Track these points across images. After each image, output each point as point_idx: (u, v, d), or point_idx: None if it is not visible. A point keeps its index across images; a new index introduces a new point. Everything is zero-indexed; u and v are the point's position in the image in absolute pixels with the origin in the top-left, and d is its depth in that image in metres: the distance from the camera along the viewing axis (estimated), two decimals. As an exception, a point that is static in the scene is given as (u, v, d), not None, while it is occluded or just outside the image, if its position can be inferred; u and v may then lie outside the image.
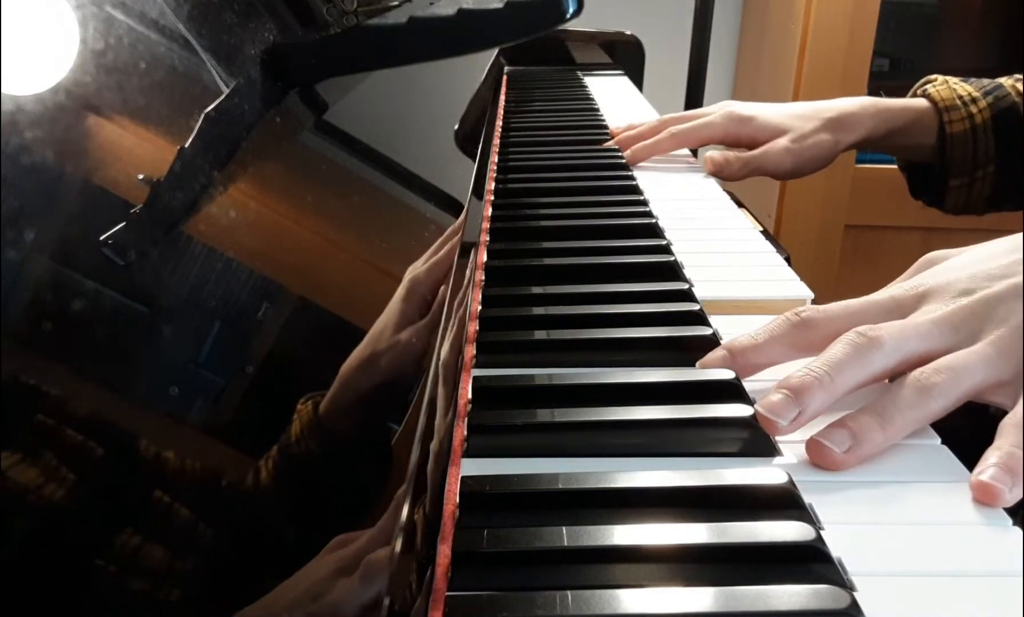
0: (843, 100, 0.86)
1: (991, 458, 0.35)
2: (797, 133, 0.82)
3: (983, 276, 0.43)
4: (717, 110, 0.86)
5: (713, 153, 0.83)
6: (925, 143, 0.85)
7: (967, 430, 0.38)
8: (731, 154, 0.82)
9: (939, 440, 0.38)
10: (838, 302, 0.45)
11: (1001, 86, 0.84)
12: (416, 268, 0.43)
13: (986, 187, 0.85)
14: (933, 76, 0.87)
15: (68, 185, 0.27)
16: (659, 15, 2.06)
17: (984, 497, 0.34)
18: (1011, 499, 0.35)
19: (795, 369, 0.40)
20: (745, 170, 0.82)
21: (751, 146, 0.84)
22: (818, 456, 0.36)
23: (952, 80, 0.85)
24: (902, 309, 0.44)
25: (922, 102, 0.85)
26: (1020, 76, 0.85)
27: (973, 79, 0.86)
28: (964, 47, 2.26)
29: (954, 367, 0.39)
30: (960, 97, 0.84)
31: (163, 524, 0.23)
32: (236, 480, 0.27)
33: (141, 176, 0.30)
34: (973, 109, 0.83)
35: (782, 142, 0.82)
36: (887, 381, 0.41)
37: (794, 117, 0.84)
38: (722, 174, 0.81)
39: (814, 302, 0.52)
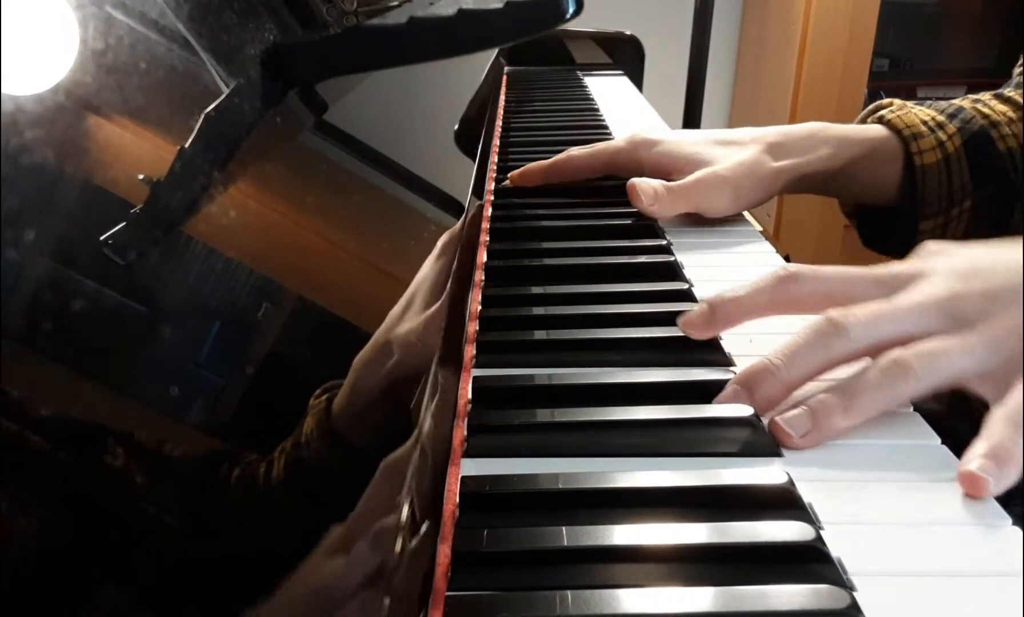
0: (791, 126, 0.70)
1: (979, 448, 0.35)
2: (733, 160, 0.66)
3: (986, 270, 0.42)
4: (621, 138, 0.73)
5: (638, 180, 0.65)
6: (886, 179, 0.69)
7: (968, 430, 0.38)
8: (659, 183, 0.64)
9: (939, 440, 0.38)
10: (831, 266, 0.44)
11: (963, 109, 0.70)
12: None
13: (961, 227, 0.69)
14: (886, 101, 0.72)
15: (68, 185, 0.27)
16: (659, 15, 2.07)
17: (971, 488, 0.34)
18: (995, 490, 0.34)
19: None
20: (678, 202, 0.64)
21: (655, 174, 0.67)
22: (777, 437, 0.37)
23: (908, 104, 0.71)
24: (891, 286, 0.42)
25: (879, 130, 0.69)
26: (976, 96, 0.72)
27: (929, 102, 0.72)
28: (964, 47, 2.27)
29: (932, 352, 0.38)
30: (925, 123, 0.68)
31: (162, 524, 0.23)
32: (235, 480, 0.27)
33: (141, 176, 0.30)
34: (942, 136, 0.68)
35: (715, 169, 0.65)
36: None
37: (719, 144, 0.69)
38: (655, 209, 0.64)
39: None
